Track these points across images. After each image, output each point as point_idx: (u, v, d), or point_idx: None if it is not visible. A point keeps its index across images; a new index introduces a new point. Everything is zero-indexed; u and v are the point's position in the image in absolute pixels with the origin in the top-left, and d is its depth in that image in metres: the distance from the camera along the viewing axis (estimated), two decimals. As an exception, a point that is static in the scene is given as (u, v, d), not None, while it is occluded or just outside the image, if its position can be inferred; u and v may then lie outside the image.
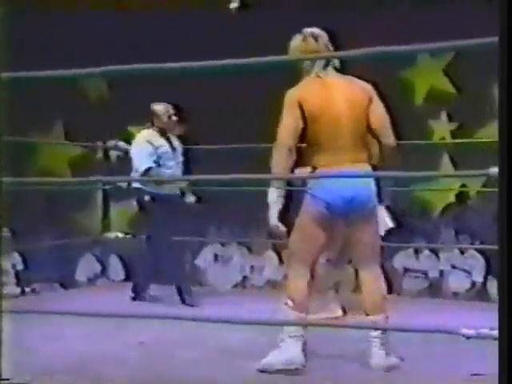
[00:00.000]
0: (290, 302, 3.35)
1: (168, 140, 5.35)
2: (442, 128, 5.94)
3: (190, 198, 5.59)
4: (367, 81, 3.52)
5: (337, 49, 3.51)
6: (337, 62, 3.45)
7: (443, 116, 5.94)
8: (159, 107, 5.35)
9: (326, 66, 3.40)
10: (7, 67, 2.26)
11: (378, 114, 3.37)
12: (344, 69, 3.52)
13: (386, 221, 4.08)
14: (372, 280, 3.41)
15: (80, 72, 2.45)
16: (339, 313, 4.52)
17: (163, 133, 5.33)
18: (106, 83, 6.74)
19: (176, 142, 5.45)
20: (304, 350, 3.31)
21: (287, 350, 3.29)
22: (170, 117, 5.33)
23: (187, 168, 5.53)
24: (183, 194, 5.50)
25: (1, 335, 2.18)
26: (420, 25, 5.47)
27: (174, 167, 5.29)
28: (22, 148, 6.41)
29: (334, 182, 3.29)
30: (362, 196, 3.34)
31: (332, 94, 3.35)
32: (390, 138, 3.41)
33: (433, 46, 2.17)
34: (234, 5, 6.31)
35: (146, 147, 5.21)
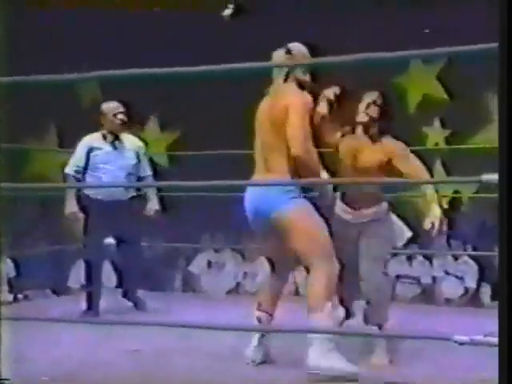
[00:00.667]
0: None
1: (112, 142, 5.04)
2: (435, 134, 5.95)
3: (153, 207, 5.15)
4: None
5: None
6: (302, 75, 3.48)
7: (436, 123, 5.96)
8: (106, 105, 5.08)
9: (285, 79, 3.47)
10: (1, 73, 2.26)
11: (288, 124, 3.35)
12: (315, 80, 3.58)
13: (403, 231, 4.09)
14: (309, 281, 3.49)
15: (74, 77, 2.45)
16: None
17: (109, 134, 5.03)
18: (99, 88, 6.72)
19: (127, 145, 5.09)
20: (260, 345, 3.58)
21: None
22: (115, 115, 5.02)
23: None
24: (138, 199, 5.17)
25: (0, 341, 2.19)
26: (416, 28, 5.50)
27: (114, 171, 4.94)
28: (15, 154, 6.39)
29: (248, 192, 3.49)
30: (263, 205, 3.41)
31: (268, 107, 3.47)
32: (294, 148, 3.33)
33: (425, 52, 2.17)
34: (227, 11, 6.31)
35: (78, 151, 5.03)
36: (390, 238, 3.89)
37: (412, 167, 3.71)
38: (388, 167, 3.72)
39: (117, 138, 5.06)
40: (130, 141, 5.18)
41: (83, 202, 5.02)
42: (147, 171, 5.22)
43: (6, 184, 2.41)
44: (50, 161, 7.01)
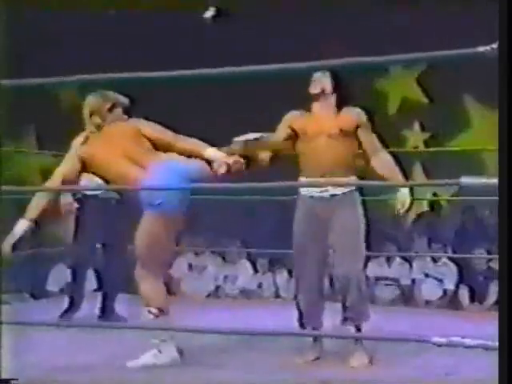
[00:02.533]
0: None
1: None
2: (415, 137, 6.00)
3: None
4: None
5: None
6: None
7: (416, 126, 6.00)
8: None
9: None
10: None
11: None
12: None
13: None
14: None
15: (56, 81, 2.43)
16: None
17: None
18: (77, 92, 6.69)
19: None
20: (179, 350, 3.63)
21: (168, 352, 3.59)
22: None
23: None
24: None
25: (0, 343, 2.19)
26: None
27: None
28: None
29: None
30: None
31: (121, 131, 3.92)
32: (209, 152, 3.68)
33: (405, 57, 2.19)
34: (209, 13, 6.31)
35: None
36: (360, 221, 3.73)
37: (373, 138, 3.78)
38: (352, 137, 3.70)
39: None
40: None
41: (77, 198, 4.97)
42: None
43: (7, 187, 2.40)
44: (28, 163, 6.97)
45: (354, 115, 3.74)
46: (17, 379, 2.68)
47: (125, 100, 4.80)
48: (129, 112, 5.02)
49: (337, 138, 3.66)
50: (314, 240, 3.67)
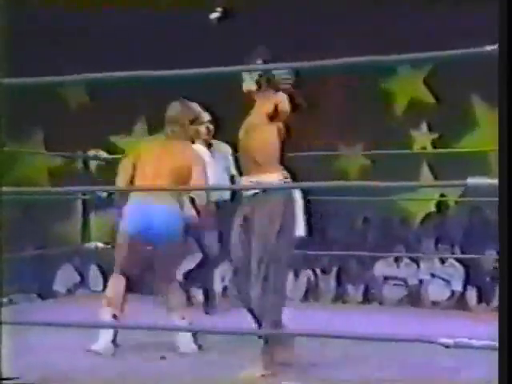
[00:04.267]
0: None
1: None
2: (422, 138, 5.98)
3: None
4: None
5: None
6: None
7: (423, 126, 5.98)
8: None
9: None
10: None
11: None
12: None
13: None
14: None
15: (61, 79, 2.44)
16: None
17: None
18: (85, 92, 6.71)
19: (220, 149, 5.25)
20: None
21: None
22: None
23: None
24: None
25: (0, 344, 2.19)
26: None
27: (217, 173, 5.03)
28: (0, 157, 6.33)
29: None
30: None
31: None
32: None
33: (414, 56, 2.18)
34: (215, 15, 6.30)
35: None
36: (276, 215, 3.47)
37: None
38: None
39: (210, 145, 5.13)
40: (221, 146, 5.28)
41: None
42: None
43: (8, 188, 2.40)
44: (36, 164, 6.98)
45: (273, 97, 3.52)
46: (18, 377, 2.69)
47: (206, 116, 4.87)
48: (211, 131, 5.13)
49: (262, 128, 3.51)
50: (240, 240, 3.56)
